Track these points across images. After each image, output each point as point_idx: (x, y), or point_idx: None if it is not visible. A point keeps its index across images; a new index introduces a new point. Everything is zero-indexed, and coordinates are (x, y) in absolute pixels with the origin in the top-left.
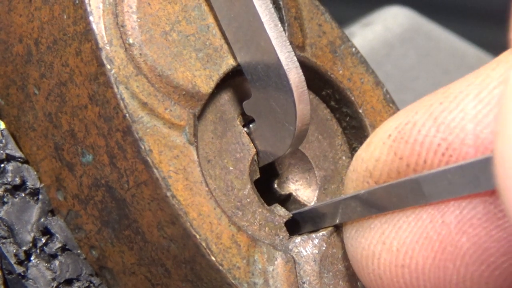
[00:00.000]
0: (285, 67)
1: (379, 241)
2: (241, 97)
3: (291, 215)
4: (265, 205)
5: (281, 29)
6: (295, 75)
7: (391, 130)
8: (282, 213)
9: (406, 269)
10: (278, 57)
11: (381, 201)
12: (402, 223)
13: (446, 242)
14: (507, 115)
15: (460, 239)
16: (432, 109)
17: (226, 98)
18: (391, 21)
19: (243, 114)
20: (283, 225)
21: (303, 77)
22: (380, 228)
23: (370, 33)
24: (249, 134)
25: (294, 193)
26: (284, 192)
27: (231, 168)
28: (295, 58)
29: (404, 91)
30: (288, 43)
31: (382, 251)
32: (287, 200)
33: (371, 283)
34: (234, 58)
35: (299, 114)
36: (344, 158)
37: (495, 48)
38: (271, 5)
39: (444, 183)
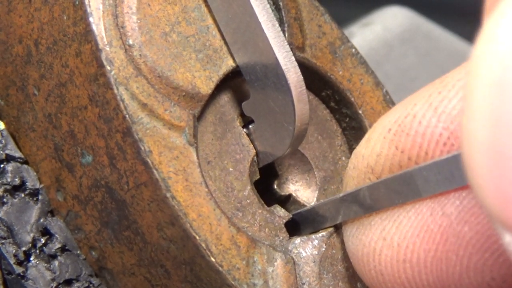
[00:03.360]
0: (283, 67)
1: (380, 237)
2: (241, 98)
3: (291, 216)
4: (265, 206)
5: (279, 29)
6: (293, 75)
7: (390, 124)
8: (282, 213)
9: (407, 263)
10: (276, 57)
11: (381, 197)
12: (403, 218)
13: (447, 234)
14: (471, 112)
15: (462, 229)
16: (431, 99)
17: (226, 99)
18: (390, 21)
19: (242, 115)
20: (283, 226)
21: (301, 77)
22: (381, 224)
23: (370, 33)
24: (248, 135)
25: (293, 194)
26: (284, 193)
27: (231, 169)
28: (293, 58)
29: (403, 91)
30: (286, 43)
31: (383, 247)
32: (286, 201)
33: (372, 280)
34: (234, 59)
35: (298, 113)
36: (343, 158)
37: None
38: (268, 6)
39: (438, 175)
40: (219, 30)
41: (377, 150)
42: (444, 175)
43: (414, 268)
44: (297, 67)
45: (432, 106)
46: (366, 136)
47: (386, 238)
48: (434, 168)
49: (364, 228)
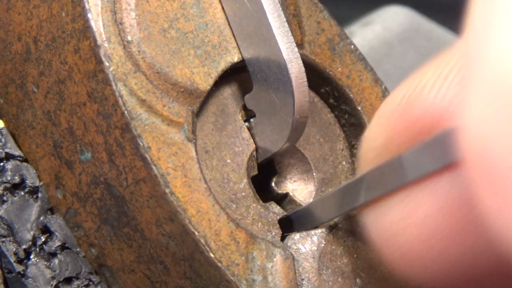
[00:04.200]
0: (286, 57)
1: (402, 218)
2: (245, 92)
3: (286, 214)
4: (260, 201)
5: (284, 19)
6: (295, 66)
7: (398, 98)
8: (276, 210)
9: (433, 240)
10: (279, 47)
11: (386, 179)
12: (422, 197)
13: (470, 205)
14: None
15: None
16: (441, 69)
17: (229, 92)
18: (390, 20)
19: (245, 109)
20: (276, 222)
21: (303, 68)
22: (399, 205)
23: (370, 32)
24: (250, 129)
25: (291, 193)
26: (281, 191)
27: (228, 160)
28: (296, 49)
29: None
30: (290, 34)
31: (405, 228)
32: (283, 200)
33: (399, 263)
34: (233, 55)
35: (297, 104)
36: (344, 163)
37: None
38: None
39: (426, 157)
40: (218, 27)
41: (390, 126)
42: (438, 153)
43: (442, 243)
44: (299, 59)
45: (442, 75)
46: (376, 115)
47: (408, 219)
48: (430, 146)
49: (383, 212)
